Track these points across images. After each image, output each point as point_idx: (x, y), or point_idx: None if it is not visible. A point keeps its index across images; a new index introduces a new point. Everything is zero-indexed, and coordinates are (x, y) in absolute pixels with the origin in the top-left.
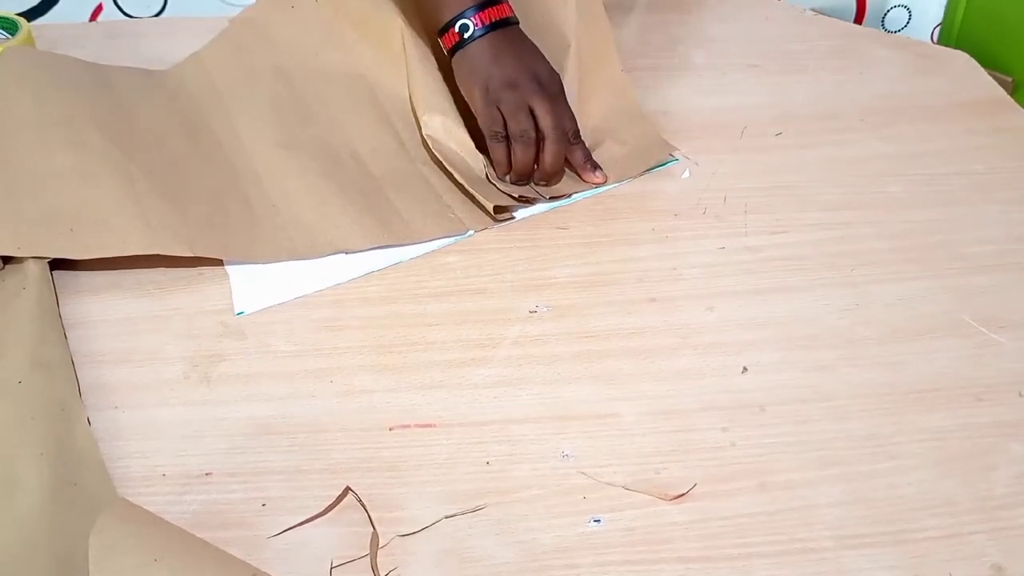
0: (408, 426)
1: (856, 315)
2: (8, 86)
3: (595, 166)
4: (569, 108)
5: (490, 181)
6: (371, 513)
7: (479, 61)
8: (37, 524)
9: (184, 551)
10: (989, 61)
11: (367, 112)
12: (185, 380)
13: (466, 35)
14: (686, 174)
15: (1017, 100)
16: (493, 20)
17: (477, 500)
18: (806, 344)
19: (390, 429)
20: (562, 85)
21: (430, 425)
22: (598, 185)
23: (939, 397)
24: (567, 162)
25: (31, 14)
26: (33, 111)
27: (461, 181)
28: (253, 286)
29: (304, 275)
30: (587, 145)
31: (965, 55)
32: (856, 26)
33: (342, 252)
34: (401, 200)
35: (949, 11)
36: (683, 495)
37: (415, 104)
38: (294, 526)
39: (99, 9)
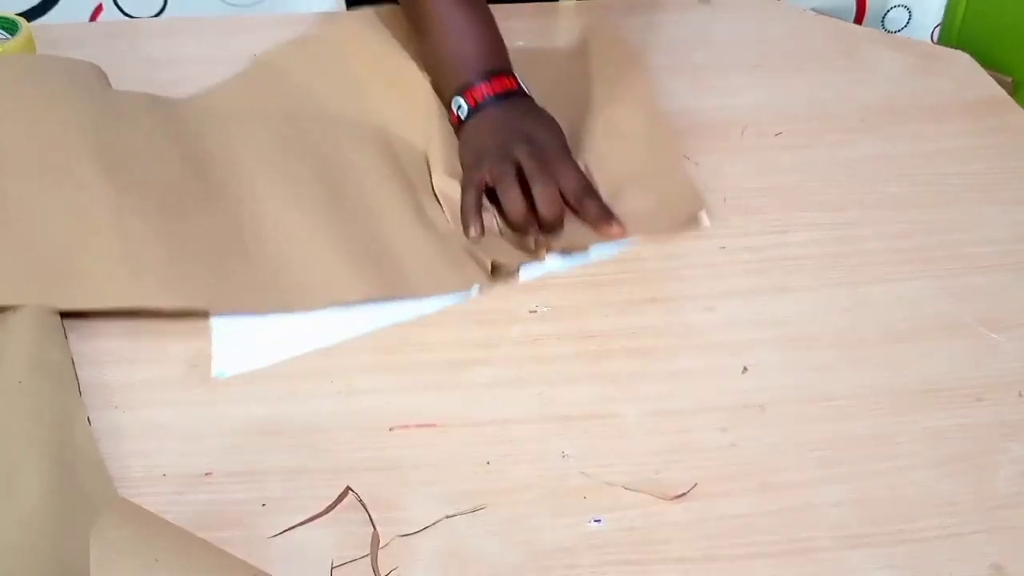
0: (408, 426)
1: (856, 315)
2: (3, 100)
3: (610, 217)
4: (573, 165)
5: (501, 234)
6: (371, 513)
7: (474, 136)
8: (37, 524)
9: (185, 551)
10: (989, 61)
11: (382, 163)
12: (185, 380)
13: (462, 115)
14: None
15: (1017, 100)
16: (485, 97)
17: (477, 500)
18: (806, 344)
19: (390, 429)
20: (564, 147)
21: (430, 425)
22: (616, 238)
23: (939, 397)
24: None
25: (31, 14)
26: (28, 131)
27: (464, 237)
28: (236, 345)
29: (292, 334)
30: (607, 195)
31: (965, 55)
32: (856, 26)
33: (335, 305)
34: (406, 254)
35: (949, 11)
36: (683, 495)
37: (430, 158)
38: (294, 526)
39: (99, 9)
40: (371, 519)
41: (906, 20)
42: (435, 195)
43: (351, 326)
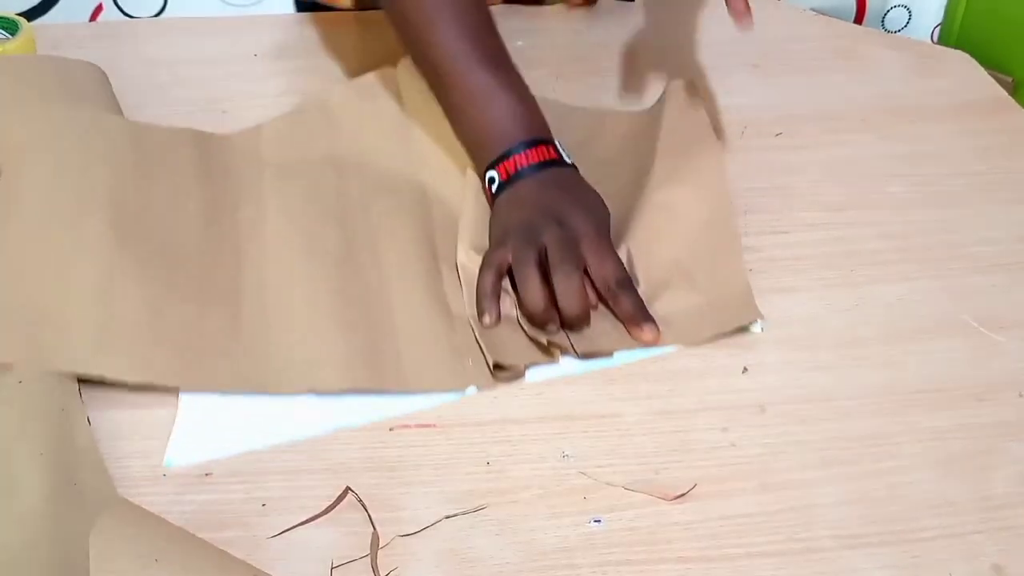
0: (408, 426)
1: (856, 315)
2: (3, 101)
3: (645, 319)
4: (609, 251)
5: (520, 325)
6: (371, 513)
7: (504, 210)
8: (37, 524)
9: (184, 551)
10: (989, 61)
11: (411, 231)
12: None
13: (494, 189)
14: None
15: (1017, 100)
16: (519, 168)
17: (477, 500)
18: (806, 344)
19: (390, 429)
20: (601, 229)
21: (430, 425)
22: (648, 345)
23: (939, 397)
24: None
25: (31, 14)
26: (30, 133)
27: (472, 325)
28: (200, 428)
29: (262, 422)
30: (647, 290)
31: (965, 55)
32: (856, 26)
33: (315, 392)
34: (407, 343)
35: (949, 11)
36: (683, 495)
37: (459, 229)
38: (294, 526)
39: (99, 9)
40: (371, 519)
41: (906, 20)
42: (456, 265)
43: (329, 418)
